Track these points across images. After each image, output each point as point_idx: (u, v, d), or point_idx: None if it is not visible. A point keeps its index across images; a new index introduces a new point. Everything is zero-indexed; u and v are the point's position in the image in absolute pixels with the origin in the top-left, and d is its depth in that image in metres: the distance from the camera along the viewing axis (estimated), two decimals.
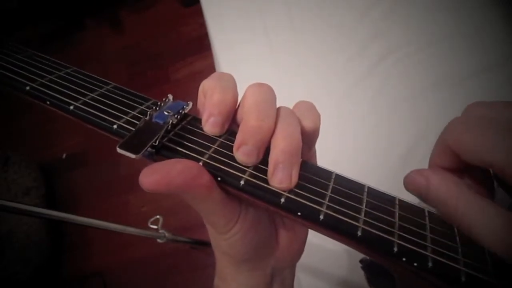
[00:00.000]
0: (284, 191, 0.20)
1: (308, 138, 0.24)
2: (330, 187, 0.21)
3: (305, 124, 0.23)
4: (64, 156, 1.62)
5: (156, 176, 0.19)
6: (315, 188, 0.21)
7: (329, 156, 0.57)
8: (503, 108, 0.20)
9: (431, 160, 0.22)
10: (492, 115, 0.20)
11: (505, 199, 0.21)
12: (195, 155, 0.21)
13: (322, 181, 0.21)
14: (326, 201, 0.20)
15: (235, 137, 0.22)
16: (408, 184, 0.21)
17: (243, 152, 0.21)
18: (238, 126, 0.22)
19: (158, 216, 0.82)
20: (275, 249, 0.27)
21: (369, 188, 0.22)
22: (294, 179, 0.21)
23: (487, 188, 0.22)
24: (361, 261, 0.32)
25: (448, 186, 0.19)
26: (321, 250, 0.52)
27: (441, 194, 0.19)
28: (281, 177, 0.20)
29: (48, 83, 0.26)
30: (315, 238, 0.51)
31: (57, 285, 1.41)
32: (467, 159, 0.19)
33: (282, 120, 0.22)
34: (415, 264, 0.18)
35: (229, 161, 0.21)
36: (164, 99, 0.24)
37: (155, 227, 0.82)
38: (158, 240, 0.86)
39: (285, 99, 0.25)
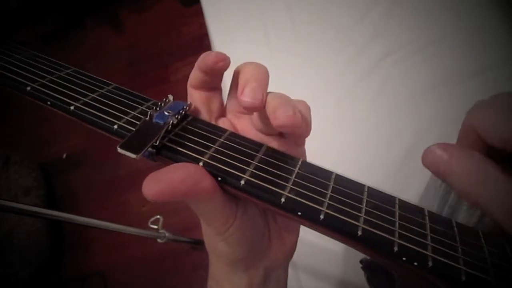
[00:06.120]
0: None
1: (297, 131, 0.24)
2: (330, 187, 0.21)
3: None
4: (64, 156, 1.62)
5: (160, 186, 0.19)
6: (316, 188, 0.21)
7: (329, 156, 0.57)
8: None
9: (457, 141, 0.22)
10: None
11: None
12: (195, 155, 0.21)
13: (322, 181, 0.21)
14: (326, 200, 0.20)
15: (236, 137, 0.22)
16: (426, 158, 0.19)
17: (250, 89, 0.22)
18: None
19: (158, 216, 0.82)
20: (268, 248, 0.27)
21: (369, 188, 0.22)
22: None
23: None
24: (361, 261, 0.32)
25: (473, 163, 0.18)
26: (322, 250, 0.52)
27: (466, 172, 0.18)
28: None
29: (48, 83, 0.26)
30: (316, 238, 0.52)
31: (58, 285, 1.41)
32: (487, 139, 0.19)
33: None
34: (415, 263, 0.18)
35: (230, 161, 0.21)
36: (164, 99, 0.24)
37: (155, 227, 0.83)
38: (158, 240, 0.86)
39: None
